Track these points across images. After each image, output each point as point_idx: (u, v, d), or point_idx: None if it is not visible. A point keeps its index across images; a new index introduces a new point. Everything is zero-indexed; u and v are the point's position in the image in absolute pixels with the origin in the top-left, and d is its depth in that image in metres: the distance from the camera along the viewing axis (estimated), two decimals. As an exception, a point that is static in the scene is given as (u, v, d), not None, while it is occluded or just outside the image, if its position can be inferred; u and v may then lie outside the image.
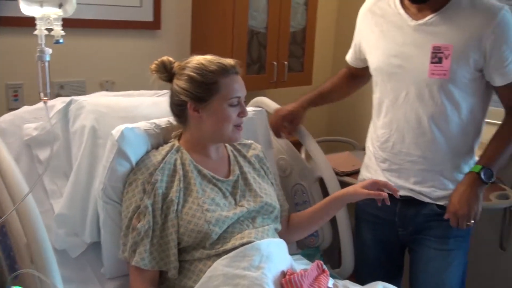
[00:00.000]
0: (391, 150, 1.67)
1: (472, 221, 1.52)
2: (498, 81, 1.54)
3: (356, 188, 1.56)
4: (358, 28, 1.78)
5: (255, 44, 2.68)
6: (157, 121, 1.56)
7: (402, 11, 1.60)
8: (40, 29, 1.19)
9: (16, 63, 2.17)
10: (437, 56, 1.52)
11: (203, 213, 1.38)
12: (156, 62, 1.48)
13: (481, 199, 1.55)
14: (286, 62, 2.81)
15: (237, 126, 1.46)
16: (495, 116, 2.36)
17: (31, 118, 1.58)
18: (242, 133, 1.73)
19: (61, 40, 1.19)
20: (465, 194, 1.53)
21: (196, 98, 1.42)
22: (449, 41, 1.51)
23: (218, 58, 1.46)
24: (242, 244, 1.38)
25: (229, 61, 1.46)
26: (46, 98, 1.15)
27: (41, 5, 1.08)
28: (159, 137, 1.54)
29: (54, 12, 1.14)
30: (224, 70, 1.43)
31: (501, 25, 1.48)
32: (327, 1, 3.43)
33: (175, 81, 1.46)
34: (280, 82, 2.83)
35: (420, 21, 1.56)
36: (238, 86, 1.45)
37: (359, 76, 1.92)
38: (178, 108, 1.47)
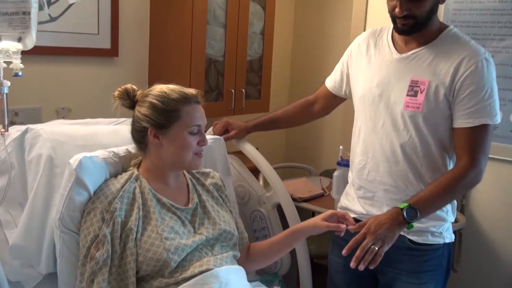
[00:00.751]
0: (367, 178, 1.70)
1: (376, 248, 1.43)
2: (455, 123, 1.56)
3: (316, 220, 1.57)
4: (350, 55, 1.80)
5: (213, 72, 2.73)
6: (115, 149, 1.56)
7: (391, 44, 1.66)
8: (-1, 62, 1.18)
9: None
10: (413, 89, 1.57)
11: (162, 241, 1.38)
12: (119, 89, 1.50)
13: (394, 236, 1.47)
14: (243, 90, 2.87)
15: (197, 154, 1.49)
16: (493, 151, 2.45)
17: (-15, 147, 1.55)
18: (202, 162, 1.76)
19: (20, 73, 1.18)
20: (383, 222, 1.48)
21: (157, 125, 1.44)
22: (426, 76, 1.56)
23: (181, 88, 1.49)
24: (201, 272, 1.39)
25: (191, 91, 1.49)
26: (3, 130, 1.14)
27: (0, 39, 1.08)
28: (118, 166, 1.54)
29: (13, 46, 1.13)
30: (186, 99, 1.46)
31: (476, 71, 1.50)
32: (283, 30, 3.54)
33: (137, 108, 1.48)
34: (238, 109, 2.88)
35: (404, 55, 1.61)
36: (199, 115, 1.48)
37: (323, 106, 1.95)
38: (139, 134, 1.48)
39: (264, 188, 2.04)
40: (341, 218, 1.55)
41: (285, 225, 1.90)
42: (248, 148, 1.97)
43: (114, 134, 1.69)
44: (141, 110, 1.46)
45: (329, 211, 1.57)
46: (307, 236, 1.64)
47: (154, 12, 2.70)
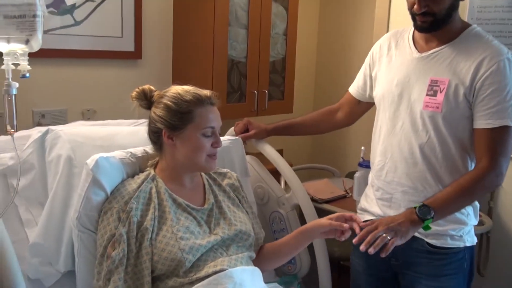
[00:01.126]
0: (385, 179, 1.67)
1: (388, 238, 1.40)
2: (475, 123, 1.52)
3: (321, 220, 1.56)
4: (372, 57, 1.78)
5: (235, 74, 2.74)
6: (133, 150, 1.58)
7: (411, 43, 1.64)
8: (7, 64, 1.21)
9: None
10: (433, 89, 1.54)
11: (177, 241, 1.39)
12: (137, 89, 1.52)
13: (407, 232, 1.44)
14: (266, 91, 2.86)
15: (211, 156, 1.49)
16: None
17: (7, 147, 1.59)
18: (219, 161, 1.76)
19: (27, 75, 1.21)
20: (396, 218, 1.46)
21: (171, 126, 1.45)
22: (446, 75, 1.53)
23: (196, 89, 1.50)
24: (215, 272, 1.39)
25: (205, 92, 1.50)
26: (12, 131, 1.17)
27: (8, 42, 1.11)
28: (135, 166, 1.56)
29: (20, 48, 1.16)
30: (199, 101, 1.47)
31: (497, 70, 1.46)
32: (307, 31, 3.52)
33: (153, 108, 1.49)
34: (261, 110, 2.88)
35: (424, 54, 1.59)
36: (213, 117, 1.49)
37: (347, 113, 1.92)
38: (154, 135, 1.50)
39: (285, 190, 2.03)
40: (349, 220, 1.51)
41: (304, 226, 1.89)
42: (268, 149, 1.97)
43: (132, 135, 1.71)
44: (156, 111, 1.47)
45: (337, 213, 1.55)
46: (315, 237, 1.62)
47: (177, 14, 2.74)
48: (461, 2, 1.56)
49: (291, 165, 2.06)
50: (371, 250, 1.39)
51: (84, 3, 2.42)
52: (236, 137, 1.90)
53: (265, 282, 1.66)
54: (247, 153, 2.01)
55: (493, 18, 2.32)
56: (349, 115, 1.92)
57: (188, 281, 1.38)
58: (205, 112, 1.47)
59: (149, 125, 1.51)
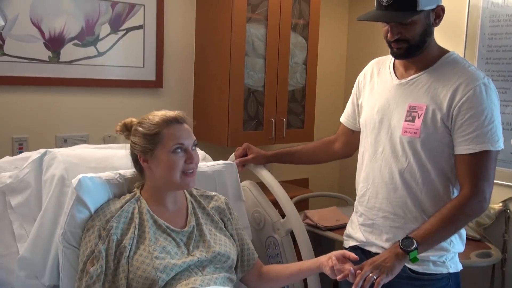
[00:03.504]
0: (367, 205, 1.68)
1: (374, 277, 1.39)
2: (456, 150, 1.52)
3: (322, 262, 1.54)
4: (358, 86, 1.81)
5: (252, 102, 2.80)
6: (122, 171, 1.66)
7: (392, 70, 1.66)
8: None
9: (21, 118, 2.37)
10: (411, 114, 1.55)
11: (152, 260, 1.44)
12: (119, 123, 1.63)
13: (393, 267, 1.42)
14: (284, 119, 2.90)
15: (186, 173, 1.54)
16: (501, 176, 2.34)
17: (9, 167, 1.72)
18: (210, 185, 1.81)
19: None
20: (380, 256, 1.46)
21: (143, 150, 1.54)
22: (424, 101, 1.54)
23: (165, 111, 1.58)
24: (186, 291, 1.42)
25: (172, 112, 1.57)
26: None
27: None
28: (123, 187, 1.64)
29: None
30: (166, 121, 1.54)
31: (474, 96, 1.47)
32: (335, 59, 3.55)
33: (131, 138, 1.59)
34: (279, 138, 2.91)
35: (403, 80, 1.61)
36: (181, 134, 1.54)
37: (343, 143, 1.93)
38: (134, 161, 1.60)
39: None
40: (340, 256, 1.50)
41: (299, 252, 1.88)
42: (264, 174, 1.99)
43: (127, 158, 1.79)
44: (132, 138, 1.57)
45: (341, 251, 1.53)
46: (313, 274, 1.66)
47: (198, 44, 2.85)
48: (472, 26, 1.55)
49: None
50: None
51: (107, 35, 2.57)
52: (230, 162, 1.94)
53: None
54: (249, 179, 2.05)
55: (504, 45, 2.29)
56: (346, 146, 1.93)
57: (160, 298, 1.42)
58: (172, 131, 1.53)
59: (130, 152, 1.60)
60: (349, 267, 1.45)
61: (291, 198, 2.09)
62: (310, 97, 3.06)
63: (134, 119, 1.62)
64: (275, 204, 2.02)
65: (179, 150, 1.53)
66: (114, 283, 1.45)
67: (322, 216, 2.34)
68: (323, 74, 3.32)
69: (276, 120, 2.88)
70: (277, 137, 2.91)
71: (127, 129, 1.61)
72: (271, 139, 2.89)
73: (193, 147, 1.57)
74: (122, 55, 2.63)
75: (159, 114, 1.56)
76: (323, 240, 2.21)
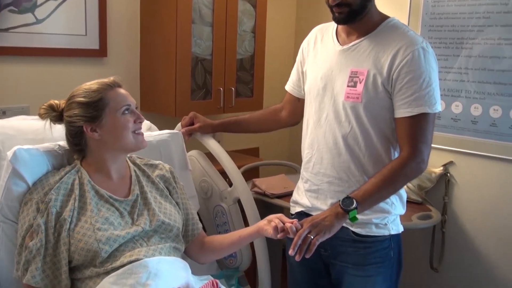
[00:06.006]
0: (312, 171, 1.70)
1: (312, 237, 1.43)
2: (395, 113, 1.55)
3: (260, 226, 1.57)
4: (302, 53, 1.81)
5: (200, 70, 2.75)
6: (62, 142, 1.61)
7: (335, 37, 1.66)
8: None
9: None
10: (353, 80, 1.57)
11: (94, 232, 1.42)
12: (43, 106, 1.57)
13: (332, 226, 1.45)
14: (233, 88, 2.88)
15: (137, 133, 1.54)
16: (441, 141, 2.42)
17: None
18: (155, 154, 1.79)
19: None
20: (321, 214, 1.49)
21: (89, 119, 1.49)
22: (365, 66, 1.55)
23: (98, 80, 1.55)
24: (130, 262, 1.41)
25: (109, 78, 1.56)
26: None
27: None
28: (63, 158, 1.59)
29: None
30: (107, 86, 1.52)
31: (412, 59, 1.49)
32: (283, 27, 3.53)
33: (66, 114, 1.53)
34: (228, 107, 2.89)
35: (345, 46, 1.61)
36: (125, 96, 1.54)
37: (290, 111, 1.93)
38: (75, 137, 1.54)
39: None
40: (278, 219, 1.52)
41: (246, 220, 1.90)
42: (211, 143, 1.98)
43: (67, 128, 1.74)
44: (70, 112, 1.51)
45: (269, 216, 1.56)
46: (254, 239, 1.68)
47: (143, 11, 2.76)
48: None
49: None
50: (297, 258, 1.43)
51: (46, 1, 2.46)
52: (175, 131, 1.92)
53: (208, 275, 1.69)
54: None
55: (446, 12, 2.33)
56: (293, 113, 1.93)
57: (103, 271, 1.41)
58: (115, 94, 1.52)
59: (68, 130, 1.55)
60: (290, 225, 1.48)
61: (241, 167, 2.09)
62: (259, 65, 3.04)
63: (57, 101, 1.57)
64: (223, 174, 2.01)
65: (127, 112, 1.52)
66: (55, 256, 1.42)
67: (270, 184, 2.36)
68: (272, 42, 3.30)
69: (224, 89, 2.85)
70: (226, 106, 2.88)
71: (55, 110, 1.56)
72: (220, 109, 2.86)
73: (136, 108, 1.57)
74: (63, 22, 2.51)
75: (95, 82, 1.53)
76: (272, 208, 2.23)
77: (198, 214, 1.93)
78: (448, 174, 2.46)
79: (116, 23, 2.70)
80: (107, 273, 1.40)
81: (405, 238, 1.77)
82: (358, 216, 1.50)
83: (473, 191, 2.40)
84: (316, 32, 1.74)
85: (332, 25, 1.68)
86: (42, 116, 1.56)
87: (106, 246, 1.41)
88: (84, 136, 1.52)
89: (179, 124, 2.06)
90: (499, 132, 2.28)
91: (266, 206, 2.29)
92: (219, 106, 2.85)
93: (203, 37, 2.73)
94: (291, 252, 1.44)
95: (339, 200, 1.49)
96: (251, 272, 1.99)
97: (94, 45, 2.65)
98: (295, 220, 1.50)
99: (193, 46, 2.68)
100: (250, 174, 2.66)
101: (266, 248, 1.86)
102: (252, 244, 1.87)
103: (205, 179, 2.02)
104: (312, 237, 1.42)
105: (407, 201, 1.82)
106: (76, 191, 1.48)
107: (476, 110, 2.34)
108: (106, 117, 1.49)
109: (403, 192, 1.65)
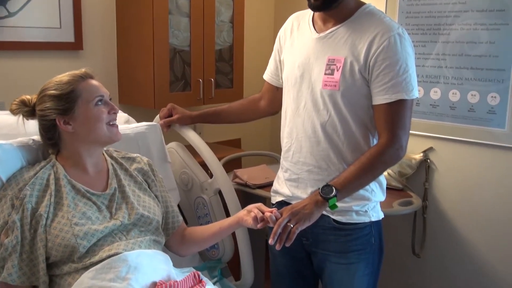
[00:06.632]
0: (291, 160, 1.69)
1: (291, 226, 1.43)
2: (373, 100, 1.54)
3: (240, 217, 1.56)
4: (279, 41, 1.79)
5: (179, 62, 2.72)
6: (36, 137, 1.58)
7: (311, 24, 1.65)
8: None
9: None
10: (330, 68, 1.55)
11: (71, 227, 1.39)
12: (15, 101, 1.53)
13: (311, 214, 1.46)
14: (212, 79, 2.85)
15: (111, 124, 1.51)
16: (421, 127, 2.44)
17: None
18: (133, 147, 1.77)
19: None
20: (301, 202, 1.50)
21: (62, 111, 1.46)
22: (342, 54, 1.54)
23: (70, 72, 1.52)
24: (109, 256, 1.39)
25: (80, 70, 1.53)
26: None
27: None
28: (37, 153, 1.56)
29: None
30: (78, 77, 1.49)
31: (389, 46, 1.48)
32: (262, 17, 3.50)
33: (38, 108, 1.50)
34: (208, 98, 2.86)
35: (322, 34, 1.60)
36: (97, 87, 1.51)
37: (269, 101, 1.91)
38: (49, 131, 1.50)
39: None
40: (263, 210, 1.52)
41: (228, 211, 1.89)
42: (190, 135, 1.96)
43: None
44: (42, 106, 1.48)
45: (249, 206, 1.55)
46: (235, 230, 1.67)
47: (119, 2, 2.72)
48: None
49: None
50: (278, 247, 1.43)
51: (17, -6, 2.40)
52: (153, 123, 1.90)
53: (191, 267, 1.68)
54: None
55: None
56: (271, 103, 1.91)
57: (82, 266, 1.38)
58: (87, 85, 1.49)
59: (40, 125, 1.52)
60: (269, 214, 1.47)
61: (222, 158, 2.07)
62: (238, 56, 3.02)
63: (28, 96, 1.54)
64: (204, 165, 2.00)
65: (100, 103, 1.49)
66: (32, 253, 1.39)
67: (252, 174, 2.35)
68: (250, 32, 3.28)
69: (204, 80, 2.82)
70: (206, 97, 2.86)
71: (27, 105, 1.52)
72: (199, 100, 2.84)
73: (110, 100, 1.55)
74: (36, 15, 2.46)
75: (64, 75, 1.51)
76: (253, 198, 2.22)
77: (179, 206, 1.92)
78: (428, 160, 2.47)
79: (92, 15, 2.66)
80: (86, 268, 1.38)
81: (387, 224, 1.78)
82: (339, 204, 1.51)
83: (453, 176, 2.42)
84: (292, 20, 1.73)
85: (309, 13, 1.67)
86: (14, 112, 1.53)
87: (84, 241, 1.39)
88: (57, 130, 1.49)
89: (158, 116, 2.04)
90: (477, 117, 2.30)
91: (247, 196, 2.28)
92: (198, 97, 2.82)
93: (180, 28, 2.69)
94: (271, 241, 1.43)
95: (319, 188, 1.48)
96: (234, 263, 1.98)
97: (69, 38, 2.60)
98: (274, 209, 1.50)
99: (170, 38, 2.65)
100: (232, 165, 2.65)
101: (248, 239, 1.86)
102: (234, 235, 1.86)
103: (185, 171, 2.00)
104: (292, 226, 1.42)
105: (388, 188, 1.83)
106: (52, 186, 1.45)
107: (454, 95, 2.35)
108: (79, 109, 1.47)
109: (382, 178, 1.66)
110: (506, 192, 2.27)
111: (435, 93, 2.41)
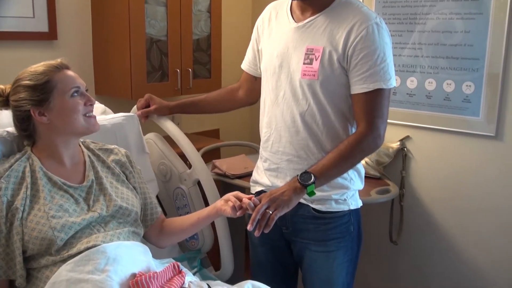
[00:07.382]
0: (271, 149, 1.69)
1: (270, 212, 1.43)
2: (351, 89, 1.55)
3: (222, 207, 1.55)
4: (257, 31, 1.78)
5: (156, 52, 2.69)
6: (10, 129, 1.55)
7: (289, 14, 1.64)
8: None
9: None
10: (309, 57, 1.55)
11: (48, 220, 1.37)
12: None
13: (290, 200, 1.46)
14: (190, 69, 2.83)
15: (88, 116, 1.49)
16: (398, 116, 2.46)
17: None
18: (110, 138, 1.75)
19: None
20: (279, 189, 1.50)
21: (37, 102, 1.44)
22: (320, 43, 1.54)
23: (45, 62, 1.50)
24: (88, 248, 1.38)
25: (56, 60, 1.51)
26: None
27: None
28: (12, 145, 1.53)
29: None
30: (53, 68, 1.47)
31: (367, 35, 1.49)
32: (240, 6, 3.48)
33: (11, 98, 1.47)
34: (185, 89, 2.84)
35: (300, 24, 1.60)
36: (73, 78, 1.49)
37: (247, 90, 1.90)
38: (23, 122, 1.48)
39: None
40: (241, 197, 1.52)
41: (207, 202, 1.88)
42: (168, 125, 1.95)
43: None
44: (16, 97, 1.46)
45: (226, 195, 1.55)
46: (214, 219, 1.67)
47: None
48: None
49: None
50: (256, 233, 1.43)
51: (-12, -18, 2.34)
52: (131, 114, 1.88)
53: (170, 258, 1.67)
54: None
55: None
56: (250, 92, 1.91)
57: (60, 259, 1.37)
58: (63, 76, 1.47)
59: (14, 116, 1.49)
60: (248, 201, 1.47)
61: (201, 149, 2.06)
62: (216, 45, 3.00)
63: (2, 86, 1.51)
64: (183, 156, 1.99)
65: (76, 94, 1.47)
66: (8, 246, 1.37)
67: (231, 164, 2.35)
68: (228, 21, 3.26)
69: (181, 70, 2.80)
70: (184, 88, 2.84)
71: (0, 95, 1.50)
72: (177, 90, 2.82)
73: (87, 91, 1.53)
74: (8, 4, 2.40)
75: (40, 65, 1.48)
76: (232, 188, 2.19)
77: (157, 197, 1.91)
78: (405, 149, 2.50)
79: (66, 4, 2.60)
80: (64, 261, 1.36)
81: (365, 212, 1.80)
82: (318, 193, 1.52)
83: (429, 164, 2.45)
84: (270, 9, 1.72)
85: (286, 2, 1.67)
86: None
87: (62, 234, 1.37)
88: (32, 121, 1.46)
89: (135, 107, 2.02)
90: (453, 105, 2.33)
91: (226, 187, 2.28)
92: (176, 88, 2.80)
93: (157, 17, 2.66)
94: (249, 227, 1.43)
95: (297, 175, 1.49)
96: (214, 254, 1.98)
97: (43, 27, 2.55)
98: (252, 196, 1.50)
99: (147, 27, 2.62)
100: (211, 156, 2.64)
101: (228, 229, 1.86)
102: (213, 225, 1.86)
103: (164, 162, 1.99)
104: (270, 212, 1.43)
105: (366, 177, 1.85)
106: (28, 179, 1.43)
107: (430, 84, 2.38)
108: (54, 100, 1.44)
109: (361, 167, 1.67)
110: (481, 180, 2.32)
111: (412, 82, 2.44)
